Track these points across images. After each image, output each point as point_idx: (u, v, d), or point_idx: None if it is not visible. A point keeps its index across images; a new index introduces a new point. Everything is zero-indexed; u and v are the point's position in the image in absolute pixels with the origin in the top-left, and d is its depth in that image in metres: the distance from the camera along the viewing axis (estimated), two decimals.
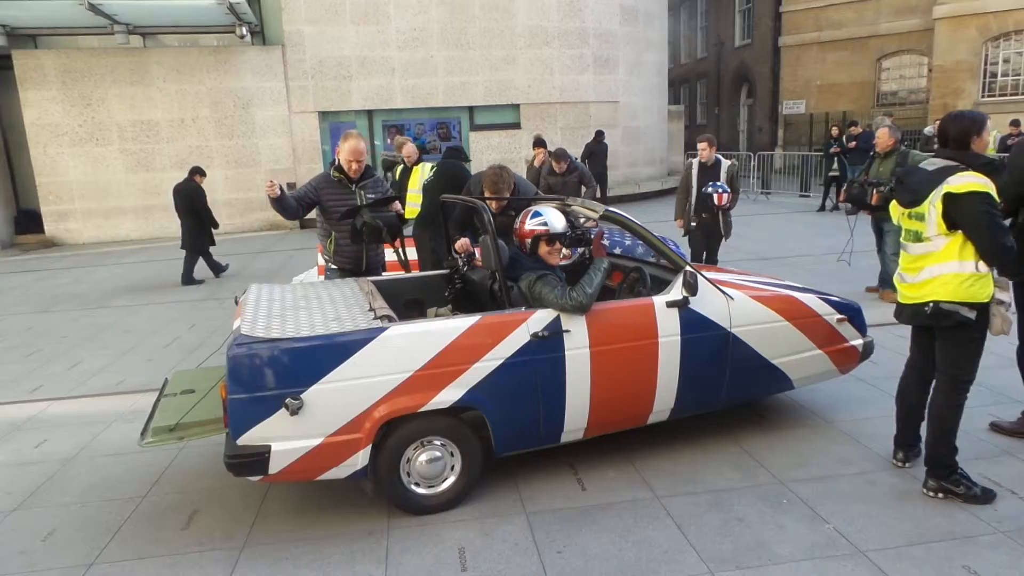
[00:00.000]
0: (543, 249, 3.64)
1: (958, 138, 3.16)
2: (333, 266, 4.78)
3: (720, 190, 6.73)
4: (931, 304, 3.18)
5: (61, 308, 8.32)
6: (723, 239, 7.08)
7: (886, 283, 6.79)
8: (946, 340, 3.27)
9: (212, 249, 9.72)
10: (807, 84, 22.78)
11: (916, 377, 3.52)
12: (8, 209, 14.43)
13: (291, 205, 4.48)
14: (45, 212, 14.13)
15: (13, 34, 13.13)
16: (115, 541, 3.23)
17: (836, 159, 13.20)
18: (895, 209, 3.46)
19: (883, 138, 6.75)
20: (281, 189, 4.38)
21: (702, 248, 7.18)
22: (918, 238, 3.24)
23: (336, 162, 4.59)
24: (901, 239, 3.41)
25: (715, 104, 28.80)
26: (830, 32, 22.02)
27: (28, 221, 14.46)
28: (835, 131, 14.05)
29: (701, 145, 7.05)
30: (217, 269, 9.75)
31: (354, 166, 4.53)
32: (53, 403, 5.12)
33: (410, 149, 7.88)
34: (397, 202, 4.73)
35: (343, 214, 4.49)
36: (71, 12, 12.25)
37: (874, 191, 6.29)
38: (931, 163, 3.24)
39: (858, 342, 4.13)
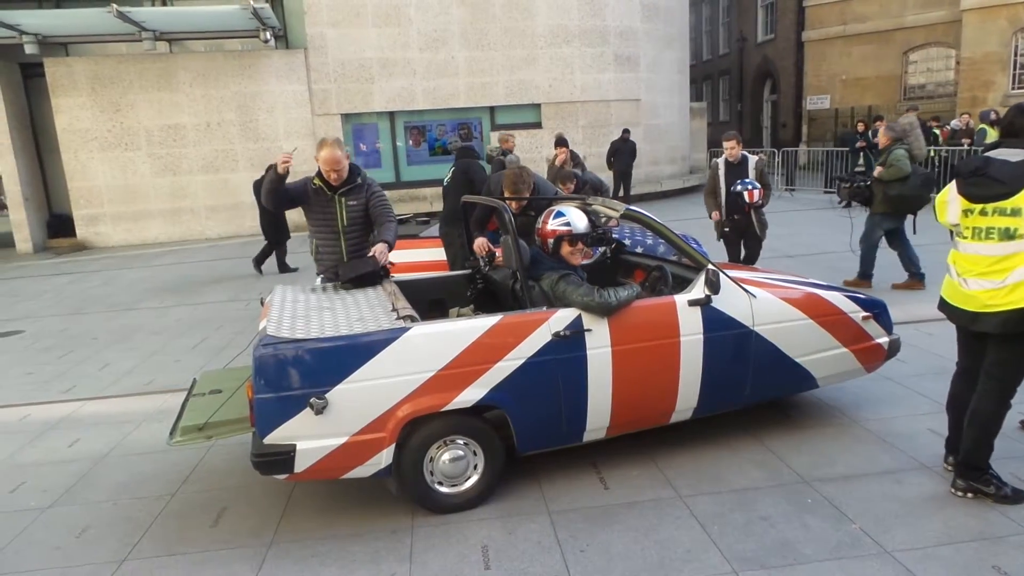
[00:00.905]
0: (565, 249, 3.65)
1: None
2: (319, 275, 4.59)
3: (750, 187, 6.60)
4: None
5: (92, 310, 8.50)
6: (761, 240, 6.84)
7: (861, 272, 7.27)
8: (1012, 346, 3.09)
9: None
10: (831, 79, 22.49)
11: (969, 383, 3.33)
12: (41, 213, 14.75)
13: (283, 195, 4.33)
14: (76, 216, 14.43)
15: (45, 42, 13.41)
16: (146, 538, 3.30)
17: (862, 154, 13.02)
18: (948, 205, 3.18)
19: (882, 138, 7.26)
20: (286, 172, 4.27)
21: (738, 252, 6.96)
22: (1008, 235, 2.96)
23: (317, 170, 4.38)
24: (964, 238, 3.15)
25: (738, 100, 28.54)
26: (855, 26, 21.70)
27: (60, 225, 14.77)
28: (861, 126, 13.91)
29: (728, 143, 6.85)
30: (285, 268, 10.16)
31: (332, 175, 4.30)
32: (86, 403, 5.24)
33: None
34: (383, 249, 4.19)
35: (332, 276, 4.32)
36: (101, 20, 12.50)
37: (844, 185, 6.84)
38: (1011, 153, 3.00)
39: (884, 340, 4.08)
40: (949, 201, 3.20)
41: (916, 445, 3.76)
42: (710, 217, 7.12)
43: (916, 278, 7.05)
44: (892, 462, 3.62)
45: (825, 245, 9.64)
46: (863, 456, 3.71)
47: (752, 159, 6.85)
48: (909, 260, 7.09)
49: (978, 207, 3.06)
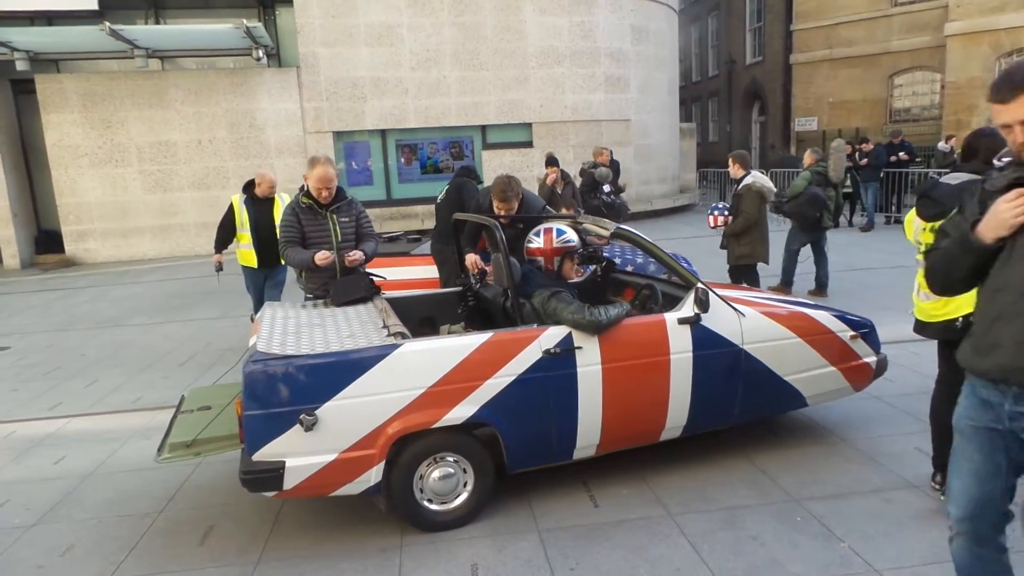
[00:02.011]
0: (568, 266, 3.74)
1: (987, 154, 3.16)
2: (309, 296, 4.63)
3: (715, 212, 6.84)
4: (961, 319, 3.15)
5: (80, 326, 8.44)
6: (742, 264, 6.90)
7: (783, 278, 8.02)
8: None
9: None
10: (819, 101, 22.79)
11: (947, 392, 3.38)
12: (29, 229, 14.66)
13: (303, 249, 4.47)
14: (65, 232, 14.34)
15: (36, 59, 13.41)
16: (132, 556, 3.26)
17: (848, 175, 13.18)
18: (910, 224, 3.44)
19: (807, 159, 8.20)
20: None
21: (735, 277, 7.01)
22: None
23: (305, 188, 4.45)
24: (919, 256, 3.35)
25: (727, 122, 28.85)
26: (841, 49, 22.05)
27: (48, 241, 14.67)
28: (848, 148, 14.06)
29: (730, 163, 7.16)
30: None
31: (324, 193, 4.37)
32: (72, 420, 5.19)
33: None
34: (356, 257, 4.45)
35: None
36: (93, 37, 12.52)
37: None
38: (954, 177, 3.20)
39: (872, 359, 4.11)
40: (912, 219, 3.42)
41: (903, 464, 3.78)
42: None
43: (787, 284, 8.00)
44: (880, 481, 3.64)
45: (808, 266, 9.70)
46: (851, 475, 3.72)
47: (747, 179, 6.79)
48: (817, 271, 8.09)
49: (928, 225, 3.28)
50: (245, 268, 6.52)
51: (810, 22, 22.72)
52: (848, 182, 13.22)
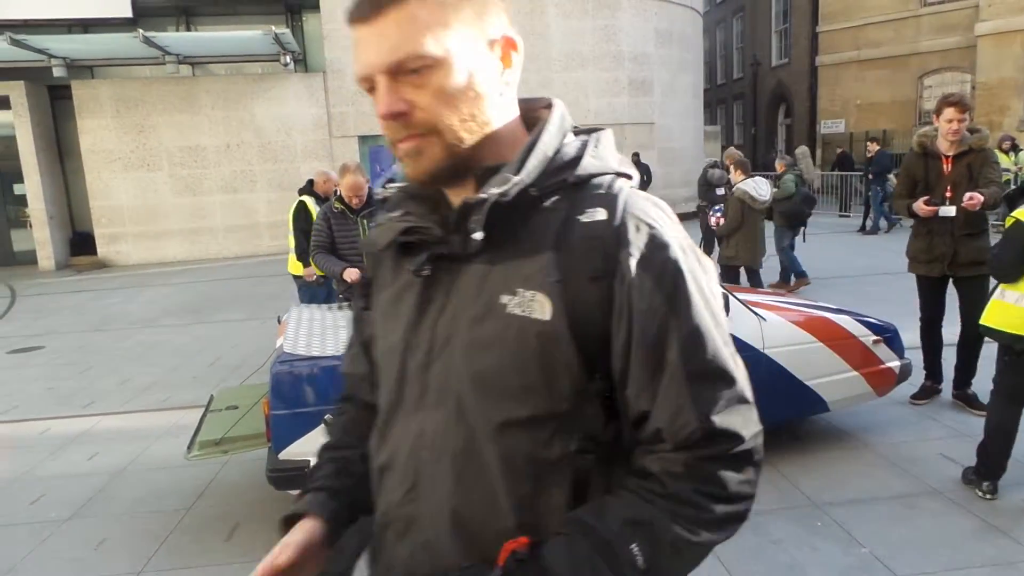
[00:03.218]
0: None
1: None
2: (341, 296, 4.73)
3: (716, 213, 7.46)
4: None
5: (112, 327, 8.64)
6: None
7: (782, 276, 8.67)
8: None
9: None
10: (846, 103, 22.54)
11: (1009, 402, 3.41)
12: (64, 231, 15.04)
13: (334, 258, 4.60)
14: (98, 234, 14.69)
15: (72, 66, 13.77)
16: (162, 550, 3.36)
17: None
18: None
19: (778, 166, 9.03)
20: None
21: (724, 278, 7.25)
22: None
23: (337, 193, 4.65)
24: None
25: (752, 124, 28.63)
26: (869, 51, 21.79)
27: (82, 243, 15.04)
28: (873, 147, 13.92)
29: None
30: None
31: (355, 200, 4.59)
32: (104, 418, 5.33)
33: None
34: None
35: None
36: (126, 44, 12.84)
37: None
38: None
39: (895, 364, 4.09)
40: None
41: (927, 470, 3.76)
42: None
43: (785, 280, 8.66)
44: (903, 487, 3.62)
45: (841, 269, 9.63)
46: (874, 480, 3.70)
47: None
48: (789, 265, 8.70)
49: None
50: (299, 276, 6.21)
51: (837, 23, 22.48)
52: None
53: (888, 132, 20.06)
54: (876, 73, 21.73)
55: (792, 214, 8.43)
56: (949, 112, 4.21)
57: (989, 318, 3.43)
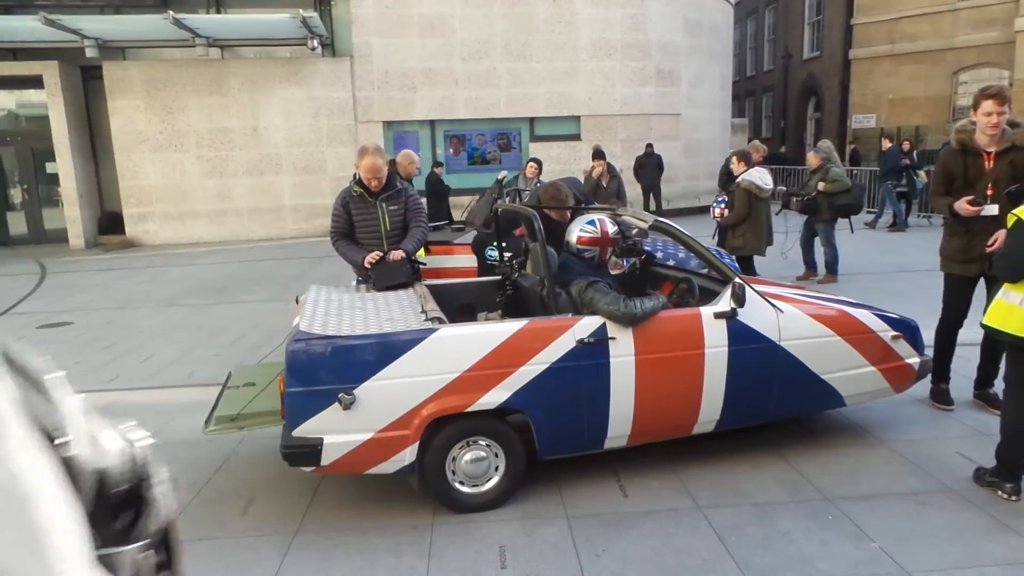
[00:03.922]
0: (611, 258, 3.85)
1: None
2: (359, 277, 4.69)
3: (719, 204, 7.58)
4: None
5: (138, 305, 8.81)
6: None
7: (830, 268, 8.55)
8: None
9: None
10: (878, 98, 22.12)
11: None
12: (93, 211, 15.32)
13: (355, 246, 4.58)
14: (126, 214, 14.95)
15: (104, 47, 13.98)
16: (179, 522, 3.42)
17: (905, 173, 12.82)
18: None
19: (811, 159, 8.70)
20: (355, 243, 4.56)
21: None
22: None
23: (357, 176, 4.55)
24: None
25: (781, 118, 28.24)
26: (904, 45, 21.35)
27: (110, 222, 15.32)
28: (907, 145, 13.70)
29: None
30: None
31: (373, 183, 4.48)
32: (128, 392, 5.45)
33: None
34: (396, 256, 4.50)
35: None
36: (157, 26, 13.00)
37: (794, 200, 8.37)
38: None
39: (914, 360, 4.03)
40: None
41: (943, 468, 3.71)
42: None
43: (813, 269, 8.76)
44: (918, 484, 3.58)
45: (866, 266, 9.50)
46: (888, 477, 3.67)
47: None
48: (813, 257, 8.80)
49: None
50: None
51: (872, 16, 22.04)
52: (904, 180, 12.87)
53: (921, 128, 19.68)
54: (910, 67, 21.29)
55: (850, 207, 8.50)
56: (988, 105, 4.04)
57: (992, 318, 3.41)
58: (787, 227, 9.36)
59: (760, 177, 7.24)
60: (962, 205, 4.10)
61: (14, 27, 13.18)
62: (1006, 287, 3.37)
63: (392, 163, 6.26)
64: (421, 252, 5.97)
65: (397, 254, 4.48)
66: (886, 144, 13.25)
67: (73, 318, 8.16)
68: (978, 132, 4.16)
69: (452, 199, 15.44)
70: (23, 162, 15.17)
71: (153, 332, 7.36)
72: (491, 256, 4.63)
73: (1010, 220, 3.34)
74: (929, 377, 4.38)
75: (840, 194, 8.26)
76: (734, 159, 7.70)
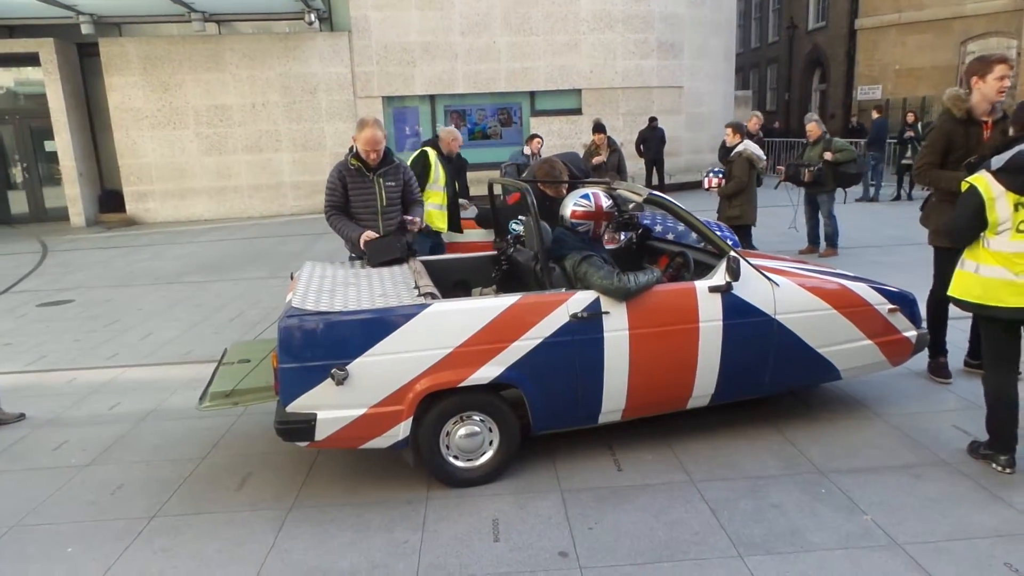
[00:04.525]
0: (606, 232, 3.82)
1: None
2: (352, 254, 4.65)
3: (710, 175, 7.67)
4: None
5: (138, 282, 8.82)
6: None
7: (830, 242, 8.58)
8: None
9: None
10: (884, 68, 21.83)
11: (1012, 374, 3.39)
12: (93, 189, 15.29)
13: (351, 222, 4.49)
14: (127, 192, 14.92)
15: (100, 22, 13.85)
16: (175, 497, 3.46)
17: (910, 145, 12.69)
18: (995, 202, 3.14)
19: (813, 129, 8.53)
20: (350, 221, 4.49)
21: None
22: None
23: (354, 150, 4.46)
24: (1014, 228, 3.15)
25: (786, 90, 27.91)
26: (911, 14, 21.00)
27: (111, 200, 15.30)
28: (911, 117, 13.55)
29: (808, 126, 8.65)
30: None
31: (372, 155, 4.39)
32: (128, 369, 5.47)
33: None
34: (414, 219, 4.55)
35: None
36: (153, 1, 12.85)
37: (806, 171, 8.20)
38: None
39: (911, 334, 4.01)
40: (996, 197, 3.16)
41: (939, 441, 3.71)
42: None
43: (817, 244, 8.74)
44: (912, 457, 3.58)
45: (868, 238, 9.45)
46: (883, 450, 3.67)
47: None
48: (818, 232, 8.71)
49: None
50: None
51: None
52: (909, 152, 12.75)
53: (927, 99, 19.44)
54: (917, 37, 20.98)
55: (857, 176, 8.61)
56: (1001, 69, 3.99)
57: (954, 288, 3.42)
58: (793, 200, 9.45)
59: (756, 148, 7.49)
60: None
61: (9, 3, 13.05)
62: (964, 256, 3.36)
63: (434, 139, 6.08)
64: (442, 226, 5.93)
65: (416, 221, 4.51)
66: (875, 115, 13.29)
67: (74, 296, 8.18)
68: (978, 101, 4.11)
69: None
70: (22, 140, 15.12)
71: (153, 309, 7.38)
72: (515, 230, 4.62)
73: (964, 187, 3.31)
74: (926, 351, 4.37)
75: (847, 163, 8.26)
76: (728, 131, 7.76)
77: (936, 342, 4.51)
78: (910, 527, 2.97)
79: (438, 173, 5.88)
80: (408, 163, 5.45)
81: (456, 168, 6.20)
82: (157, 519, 3.27)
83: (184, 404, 4.65)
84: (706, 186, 7.75)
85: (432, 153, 5.92)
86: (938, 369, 4.52)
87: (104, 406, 4.74)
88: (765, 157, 7.50)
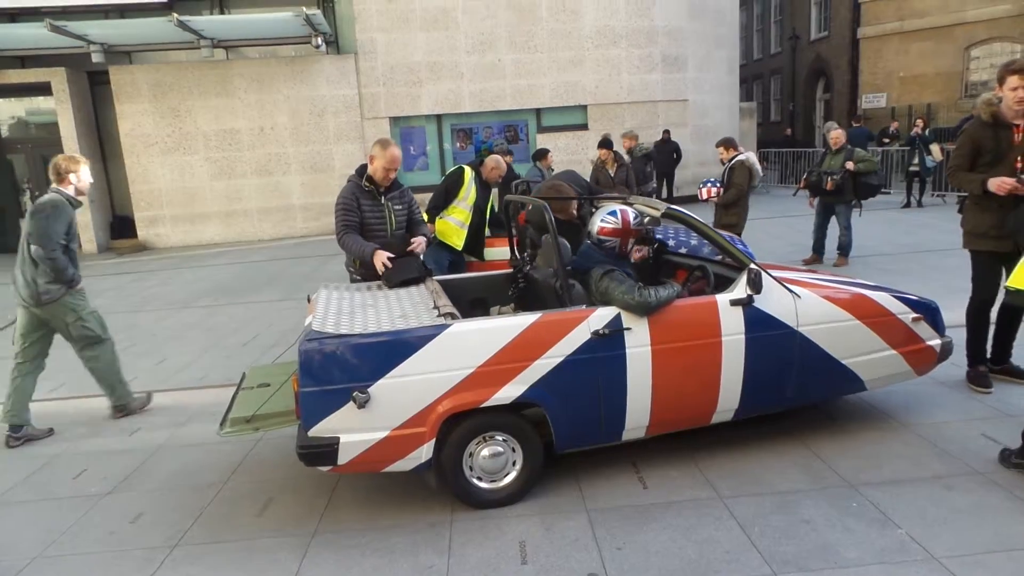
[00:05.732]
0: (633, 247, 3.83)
1: None
2: (357, 276, 4.64)
3: (707, 184, 7.65)
4: None
5: (151, 307, 8.83)
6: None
7: (843, 251, 8.57)
8: None
9: None
10: (888, 76, 21.84)
11: None
12: (105, 215, 15.39)
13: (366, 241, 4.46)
14: (138, 218, 15.01)
15: (110, 51, 14.00)
16: (196, 525, 3.43)
17: (917, 153, 12.65)
18: None
19: (838, 137, 8.55)
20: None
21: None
22: None
23: (365, 171, 4.45)
24: None
25: (789, 100, 27.95)
26: (913, 21, 21.04)
27: (122, 226, 15.39)
28: (920, 123, 13.52)
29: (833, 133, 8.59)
30: None
31: (391, 175, 4.41)
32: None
33: None
34: (422, 241, 4.56)
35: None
36: (162, 28, 13.00)
37: (829, 179, 8.27)
38: None
39: (935, 342, 3.96)
40: None
41: (967, 451, 3.65)
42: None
43: (821, 254, 8.76)
44: (942, 467, 3.52)
45: (880, 247, 9.39)
46: (912, 461, 3.61)
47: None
48: (824, 242, 8.76)
49: None
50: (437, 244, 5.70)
51: None
52: (916, 159, 12.71)
53: (932, 105, 19.42)
54: (920, 45, 21.00)
55: (876, 188, 8.49)
56: (1013, 80, 4.00)
57: (1015, 279, 3.35)
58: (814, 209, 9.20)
59: (754, 158, 7.55)
60: (1001, 182, 4.01)
61: (20, 35, 13.22)
62: None
63: (478, 161, 5.99)
64: (458, 243, 5.88)
65: (421, 239, 4.52)
66: (854, 124, 13.33)
67: None
68: (1004, 106, 4.10)
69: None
70: (34, 168, 15.25)
71: (167, 335, 7.38)
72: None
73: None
74: (964, 360, 4.32)
75: (868, 174, 8.25)
76: (720, 149, 7.73)
77: (976, 350, 4.45)
78: (946, 540, 2.91)
79: (469, 192, 5.79)
80: (445, 174, 5.64)
81: (486, 196, 6.07)
82: (179, 548, 3.23)
83: (202, 430, 4.63)
84: (704, 196, 7.67)
85: (470, 173, 5.85)
86: (978, 378, 4.44)
87: (124, 433, 4.72)
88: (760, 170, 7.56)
